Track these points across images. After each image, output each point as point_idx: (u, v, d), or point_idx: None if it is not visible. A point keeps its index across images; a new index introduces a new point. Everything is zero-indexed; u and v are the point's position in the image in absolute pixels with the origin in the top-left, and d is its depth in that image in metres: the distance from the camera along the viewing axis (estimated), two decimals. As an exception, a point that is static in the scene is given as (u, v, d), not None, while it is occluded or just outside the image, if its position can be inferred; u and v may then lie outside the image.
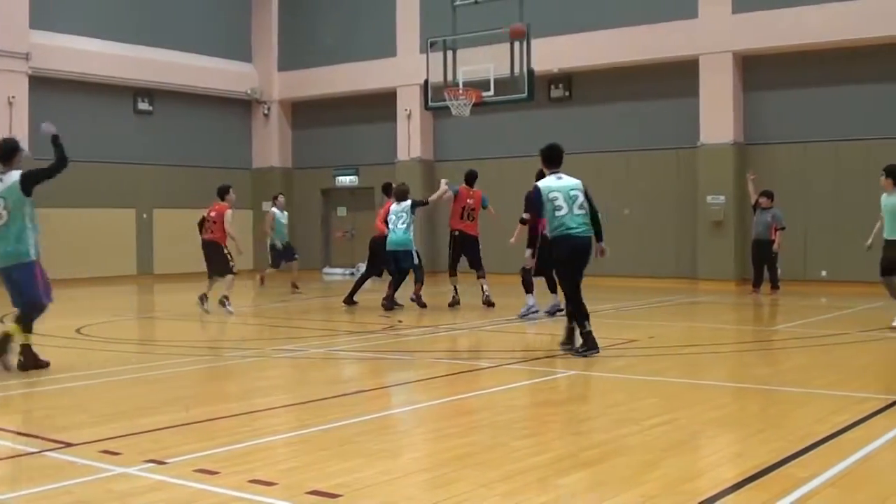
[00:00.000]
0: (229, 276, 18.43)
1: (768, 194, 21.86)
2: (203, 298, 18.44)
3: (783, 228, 21.65)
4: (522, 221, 16.12)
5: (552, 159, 12.80)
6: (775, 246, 21.60)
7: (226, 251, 18.52)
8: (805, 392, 9.57)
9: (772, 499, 5.70)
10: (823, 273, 23.82)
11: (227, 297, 18.28)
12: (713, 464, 6.89)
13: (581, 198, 12.27)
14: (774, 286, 21.80)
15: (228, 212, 18.63)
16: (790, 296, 21.36)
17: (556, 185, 12.35)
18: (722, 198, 24.63)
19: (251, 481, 6.09)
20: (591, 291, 18.13)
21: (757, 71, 24.92)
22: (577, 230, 12.15)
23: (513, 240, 16.76)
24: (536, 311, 16.93)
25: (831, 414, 8.29)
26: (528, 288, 16.84)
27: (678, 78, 25.46)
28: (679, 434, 7.67)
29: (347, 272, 31.00)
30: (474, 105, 21.58)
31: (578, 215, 12.20)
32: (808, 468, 6.42)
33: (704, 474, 6.49)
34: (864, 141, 23.34)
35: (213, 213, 18.66)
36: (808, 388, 9.81)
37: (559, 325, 15.97)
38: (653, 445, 7.19)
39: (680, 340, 14.07)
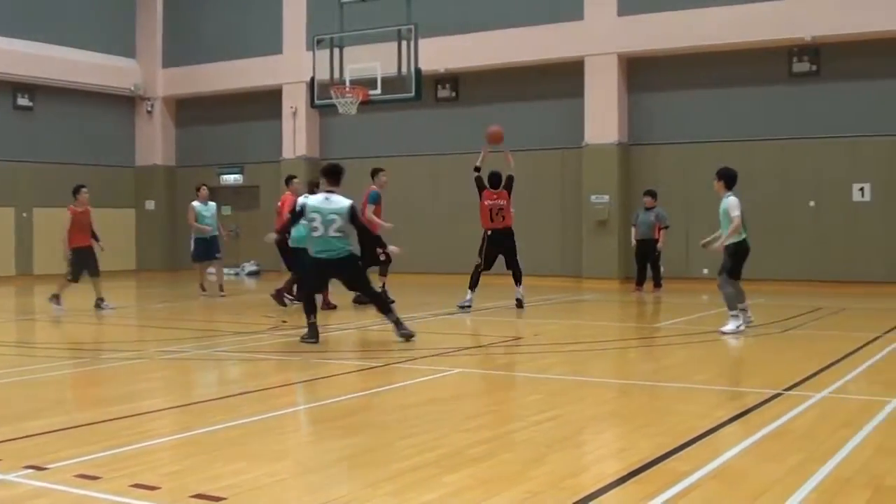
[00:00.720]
0: (62, 282, 18.68)
1: (652, 194, 22.20)
2: (99, 302, 18.66)
3: (667, 227, 22.02)
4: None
5: (329, 177, 13.41)
6: (659, 244, 21.95)
7: (68, 255, 18.66)
8: (687, 387, 9.74)
9: (654, 492, 5.78)
10: (705, 271, 24.16)
11: (55, 295, 18.53)
12: (597, 459, 6.98)
13: (339, 222, 12.92)
14: (657, 284, 22.17)
15: (67, 214, 18.61)
16: (673, 293, 21.71)
17: (319, 205, 12.99)
18: (606, 197, 24.93)
19: (133, 485, 6.00)
20: (480, 289, 18.30)
21: (641, 72, 25.27)
22: (328, 253, 13.01)
23: None
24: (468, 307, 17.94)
25: (712, 408, 8.45)
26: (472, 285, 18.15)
27: (564, 79, 25.71)
28: (564, 430, 7.75)
29: (233, 272, 30.72)
30: (361, 103, 21.53)
31: (333, 238, 12.97)
32: (689, 462, 6.53)
33: (589, 469, 6.58)
34: (745, 142, 23.82)
35: None
36: (690, 383, 9.99)
37: (446, 324, 16.07)
38: (538, 441, 7.25)
39: (565, 338, 14.19)
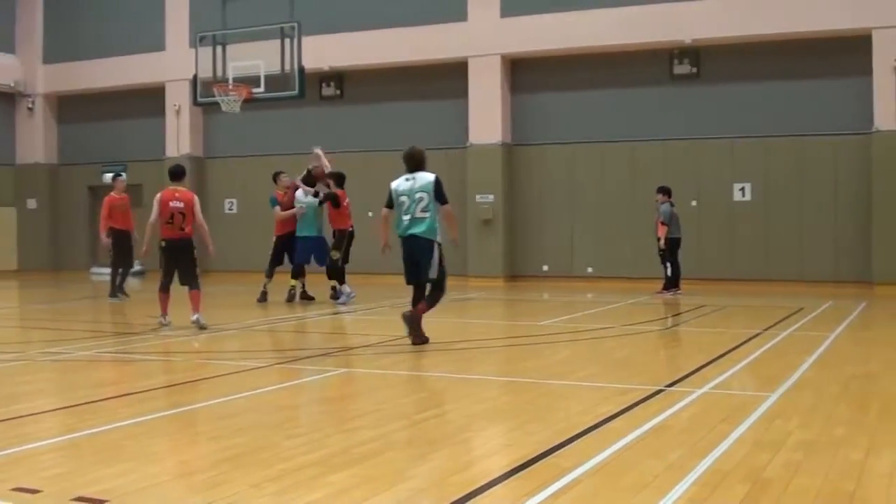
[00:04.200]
0: None
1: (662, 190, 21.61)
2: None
3: (663, 223, 21.13)
4: None
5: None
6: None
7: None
8: (570, 384, 9.85)
9: (537, 488, 5.84)
10: (589, 269, 24.53)
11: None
12: (481, 456, 7.02)
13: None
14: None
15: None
16: (557, 291, 21.92)
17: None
18: (491, 197, 25.10)
19: (14, 489, 5.88)
20: (374, 289, 18.29)
21: (524, 73, 25.49)
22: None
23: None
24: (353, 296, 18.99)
25: (595, 405, 8.55)
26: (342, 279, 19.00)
27: (448, 79, 25.83)
28: (447, 427, 7.79)
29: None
30: (245, 101, 21.39)
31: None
32: (572, 458, 6.61)
33: (472, 466, 6.61)
34: (627, 143, 24.19)
35: None
36: (574, 380, 10.10)
37: (330, 324, 16.06)
38: (421, 439, 7.28)
39: (449, 336, 14.22)
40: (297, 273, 19.25)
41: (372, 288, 21.65)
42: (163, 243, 15.14)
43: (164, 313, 15.17)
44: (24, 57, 31.78)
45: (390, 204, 12.89)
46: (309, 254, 19.24)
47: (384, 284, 21.86)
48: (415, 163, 12.99)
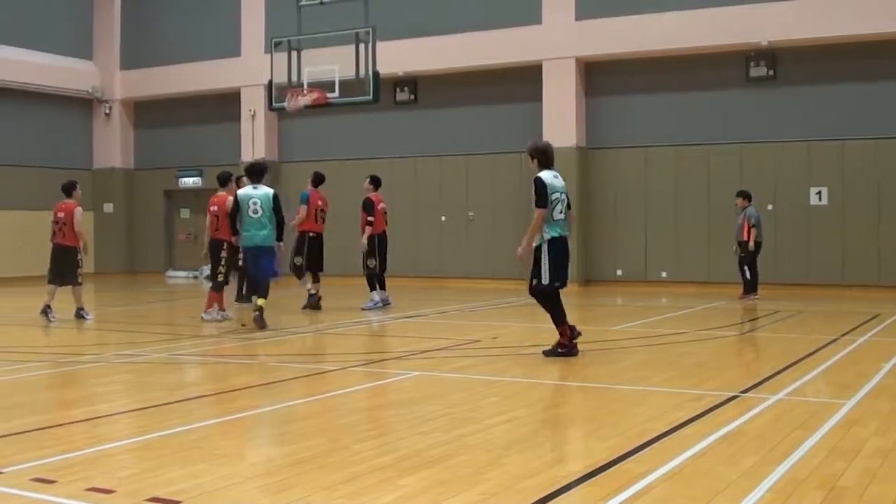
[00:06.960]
0: (78, 288, 17.01)
1: (742, 195, 21.21)
2: (47, 310, 16.85)
3: (754, 226, 20.79)
4: None
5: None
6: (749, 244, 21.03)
7: (78, 257, 17.00)
8: (643, 390, 9.77)
9: (609, 494, 5.81)
10: (664, 274, 24.35)
11: (82, 308, 17.11)
12: (553, 461, 6.98)
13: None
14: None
15: (78, 209, 16.93)
16: (631, 296, 21.78)
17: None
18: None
19: (89, 489, 5.96)
20: (441, 293, 18.27)
21: (599, 76, 25.38)
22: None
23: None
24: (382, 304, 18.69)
25: (668, 411, 8.48)
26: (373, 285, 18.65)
27: (522, 82, 25.78)
28: (519, 432, 7.75)
29: (191, 275, 30.62)
30: (320, 106, 21.44)
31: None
32: (644, 464, 6.56)
33: (544, 471, 6.56)
34: (702, 146, 24.00)
35: (60, 214, 16.98)
36: (647, 385, 10.01)
37: (402, 327, 16.09)
38: (493, 444, 7.25)
39: (522, 340, 14.19)
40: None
41: (438, 291, 21.67)
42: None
43: (222, 308, 16.85)
44: (101, 63, 32.20)
45: (546, 202, 11.85)
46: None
47: (449, 288, 21.88)
48: (550, 158, 12.15)
